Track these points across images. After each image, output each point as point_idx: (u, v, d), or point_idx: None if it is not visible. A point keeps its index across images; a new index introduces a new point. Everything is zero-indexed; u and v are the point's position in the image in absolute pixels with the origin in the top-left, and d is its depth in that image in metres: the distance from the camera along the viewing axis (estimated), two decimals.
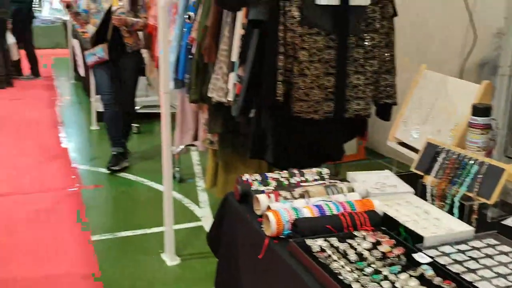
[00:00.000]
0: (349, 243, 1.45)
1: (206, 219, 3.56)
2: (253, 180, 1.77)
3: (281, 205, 1.57)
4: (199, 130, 3.77)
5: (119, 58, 4.22)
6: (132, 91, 4.43)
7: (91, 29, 4.13)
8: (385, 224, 1.57)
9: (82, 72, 7.14)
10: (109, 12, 4.04)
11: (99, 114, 5.56)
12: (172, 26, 3.60)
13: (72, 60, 8.28)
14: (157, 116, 5.48)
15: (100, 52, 4.12)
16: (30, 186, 4.03)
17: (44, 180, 4.16)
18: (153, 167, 4.33)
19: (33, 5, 8.71)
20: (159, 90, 2.80)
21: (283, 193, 1.64)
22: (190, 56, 3.29)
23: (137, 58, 4.38)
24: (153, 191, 4.02)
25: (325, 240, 1.46)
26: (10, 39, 7.63)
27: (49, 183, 4.10)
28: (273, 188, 1.72)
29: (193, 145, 4.02)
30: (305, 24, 2.34)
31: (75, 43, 7.13)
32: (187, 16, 3.30)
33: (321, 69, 2.41)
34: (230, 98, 2.77)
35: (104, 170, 4.36)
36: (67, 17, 11.13)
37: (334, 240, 1.46)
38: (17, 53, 7.90)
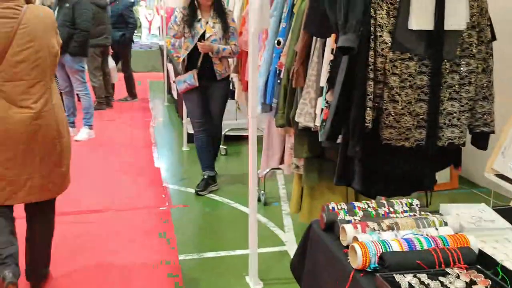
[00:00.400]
0: (440, 281, 1.37)
1: (290, 244, 3.54)
2: (340, 209, 1.74)
3: (368, 237, 1.52)
4: (285, 154, 3.78)
5: (209, 85, 4.28)
6: (220, 117, 4.49)
7: (183, 53, 4.28)
8: (481, 262, 1.47)
9: (175, 94, 7.46)
10: (202, 38, 4.16)
11: (190, 136, 5.76)
12: (261, 51, 3.67)
13: (166, 83, 8.67)
14: (244, 139, 5.62)
15: (190, 79, 4.21)
16: (123, 203, 4.22)
17: (136, 198, 4.34)
18: (239, 189, 4.39)
19: (134, 32, 9.28)
20: (247, 114, 2.84)
21: (371, 224, 1.59)
22: (278, 81, 3.33)
23: (226, 85, 4.43)
24: (238, 213, 4.07)
25: (415, 277, 1.39)
26: (111, 63, 8.12)
27: (141, 201, 4.27)
28: (360, 218, 1.67)
29: (279, 168, 4.04)
30: (397, 49, 2.28)
31: (170, 67, 7.47)
32: (277, 42, 3.35)
33: (412, 95, 2.34)
34: (317, 123, 2.76)
35: (192, 190, 4.48)
36: (162, 42, 11.74)
37: (424, 277, 1.38)
38: (117, 77, 8.38)
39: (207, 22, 4.19)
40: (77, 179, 4.57)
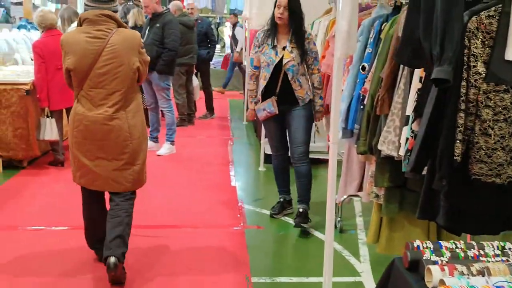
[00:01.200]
0: None
1: (366, 275, 3.42)
2: (425, 248, 1.65)
3: (456, 281, 1.42)
4: (365, 181, 3.69)
5: (290, 110, 4.06)
6: (303, 143, 4.11)
7: (261, 83, 4.07)
8: None
9: None
10: (279, 65, 3.97)
11: (267, 156, 5.78)
12: (344, 76, 3.63)
13: (245, 103, 8.78)
14: (321, 162, 5.59)
15: (269, 107, 4.04)
16: (199, 220, 4.27)
17: (212, 216, 4.39)
18: (313, 213, 4.32)
19: (215, 50, 9.54)
20: (327, 138, 2.80)
21: (459, 267, 1.50)
22: (361, 107, 3.27)
23: (309, 109, 4.12)
24: (312, 238, 4.00)
25: None
26: (195, 81, 8.36)
27: (216, 219, 4.32)
28: (447, 260, 1.58)
29: (357, 195, 3.95)
30: (492, 81, 2.17)
31: None
32: (362, 67, 3.30)
33: (506, 129, 2.21)
34: (401, 152, 2.67)
35: (267, 212, 4.47)
36: (244, 63, 11.94)
37: None
38: (199, 94, 8.61)
39: (284, 48, 3.97)
40: (155, 193, 4.76)
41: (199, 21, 8.62)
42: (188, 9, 8.64)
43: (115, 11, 3.16)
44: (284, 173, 4.40)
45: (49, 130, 5.39)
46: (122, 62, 3.07)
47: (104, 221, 3.18)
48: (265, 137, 4.92)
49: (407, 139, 2.60)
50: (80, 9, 9.63)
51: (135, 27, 7.37)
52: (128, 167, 3.17)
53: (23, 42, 7.73)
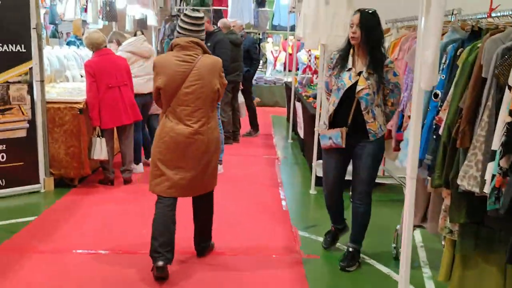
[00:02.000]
0: None
1: None
2: None
3: None
4: (430, 212, 3.51)
5: (358, 144, 3.66)
6: (368, 183, 3.75)
7: (330, 108, 3.75)
8: None
9: (301, 134, 7.40)
10: (350, 91, 3.60)
11: (318, 179, 5.62)
12: (405, 93, 3.48)
13: (292, 121, 8.66)
14: (382, 187, 5.39)
15: (336, 138, 3.63)
16: (253, 247, 4.15)
17: (266, 243, 4.26)
18: (374, 243, 4.14)
19: (258, 68, 9.50)
20: (406, 173, 2.64)
21: None
22: (434, 136, 3.10)
23: (379, 146, 3.69)
24: (373, 271, 3.82)
25: None
26: (241, 98, 8.30)
27: (271, 247, 4.18)
28: None
29: (421, 226, 3.76)
30: None
31: (298, 105, 7.46)
32: (434, 95, 3.13)
33: None
34: (486, 190, 2.49)
35: (321, 239, 4.31)
36: (289, 79, 11.86)
37: None
38: (245, 112, 8.53)
39: (359, 73, 3.59)
40: None
41: (243, 38, 8.58)
42: (232, 26, 8.61)
43: (202, 40, 3.53)
44: (338, 210, 4.04)
45: (99, 150, 5.38)
46: (205, 83, 3.45)
47: (171, 229, 3.56)
48: (323, 170, 4.03)
49: (494, 175, 2.42)
50: (128, 26, 9.74)
51: None
52: (202, 176, 3.58)
53: (73, 59, 7.83)
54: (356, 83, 3.58)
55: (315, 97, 7.08)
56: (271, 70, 13.73)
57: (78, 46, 8.70)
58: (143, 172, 6.25)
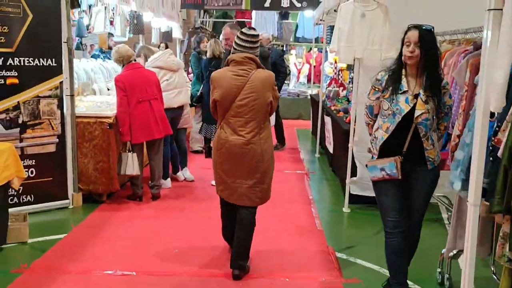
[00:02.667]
0: None
1: None
2: None
3: None
4: (479, 235, 3.32)
5: (413, 172, 3.29)
6: (423, 212, 3.39)
7: (380, 135, 3.29)
8: None
9: (330, 149, 7.24)
10: (407, 116, 3.18)
11: (352, 197, 5.46)
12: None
13: (319, 135, 8.50)
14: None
15: (391, 168, 3.21)
16: (290, 269, 3.99)
17: (303, 265, 4.09)
18: (416, 267, 3.94)
19: (284, 81, 9.37)
20: (468, 200, 2.47)
21: None
22: (490, 158, 2.92)
23: (436, 173, 3.35)
24: None
25: None
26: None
27: (309, 269, 4.01)
28: None
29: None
30: None
31: (327, 120, 7.30)
32: (490, 114, 2.96)
33: None
34: None
35: (360, 261, 4.14)
36: (310, 91, 11.70)
37: None
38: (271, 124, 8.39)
39: (416, 95, 3.19)
40: None
41: (270, 51, 8.47)
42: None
43: (256, 55, 3.73)
44: (402, 256, 3.39)
45: (130, 165, 5.29)
46: (259, 96, 3.62)
47: (235, 225, 3.86)
48: (379, 207, 3.42)
49: None
50: (154, 39, 9.71)
51: (213, 58, 7.30)
52: (258, 186, 3.72)
53: (100, 71, 7.79)
54: (413, 107, 3.18)
55: (345, 112, 6.95)
56: (295, 83, 13.60)
57: (103, 59, 8.67)
58: (170, 187, 6.14)
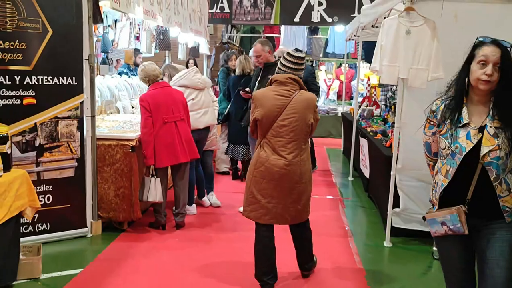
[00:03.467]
0: None
1: None
2: None
3: None
4: None
5: (484, 228, 2.59)
6: (503, 283, 2.50)
7: (439, 181, 2.67)
8: None
9: (366, 173, 6.76)
10: (471, 154, 2.54)
11: (394, 230, 4.97)
12: None
13: (352, 156, 8.03)
14: None
15: (454, 221, 2.56)
16: None
17: None
18: None
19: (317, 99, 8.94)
20: None
21: None
22: None
23: None
24: None
25: None
26: None
27: None
28: None
29: None
30: None
31: (363, 142, 6.83)
32: None
33: None
34: None
35: None
36: (340, 108, 11.24)
37: None
38: None
39: (481, 128, 2.55)
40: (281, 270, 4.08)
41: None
42: None
43: (300, 77, 3.76)
44: None
45: (153, 191, 4.91)
46: (300, 117, 3.63)
47: (273, 254, 3.81)
48: (442, 267, 2.83)
49: None
50: (180, 55, 9.41)
51: (243, 75, 6.94)
52: (294, 206, 3.73)
53: (124, 88, 7.49)
54: (478, 144, 2.54)
55: (383, 134, 6.46)
56: (324, 99, 13.15)
57: (129, 76, 8.38)
58: (196, 214, 5.74)
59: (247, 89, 5.96)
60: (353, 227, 5.54)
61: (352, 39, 9.57)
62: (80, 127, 4.76)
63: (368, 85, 10.32)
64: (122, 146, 4.93)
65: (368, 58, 12.37)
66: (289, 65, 3.74)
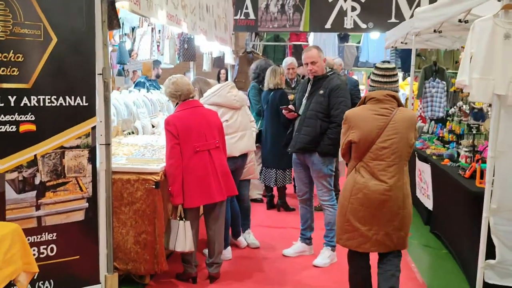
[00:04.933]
0: None
1: None
2: None
3: None
4: None
5: None
6: None
7: None
8: None
9: (428, 204, 5.74)
10: None
11: (487, 286, 3.94)
12: None
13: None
14: None
15: None
16: None
17: None
18: None
19: None
20: None
21: None
22: None
23: None
24: None
25: None
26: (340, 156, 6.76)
27: None
28: None
29: None
30: None
31: (425, 167, 5.80)
32: None
33: None
34: None
35: None
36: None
37: None
38: (344, 171, 6.96)
39: None
40: None
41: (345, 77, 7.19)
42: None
43: (396, 92, 3.50)
44: None
45: (182, 238, 3.95)
46: (402, 138, 3.40)
47: (370, 283, 3.57)
48: None
49: None
50: (205, 66, 8.46)
51: (278, 89, 6.06)
52: (395, 233, 3.43)
53: (143, 105, 6.55)
54: None
55: (451, 159, 5.43)
56: None
57: (148, 89, 7.44)
58: (231, 258, 4.75)
59: (290, 106, 4.99)
60: (427, 277, 4.49)
61: (395, 47, 8.61)
62: (92, 159, 3.78)
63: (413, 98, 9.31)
64: (143, 181, 3.96)
65: (404, 67, 11.40)
66: (379, 79, 3.52)
